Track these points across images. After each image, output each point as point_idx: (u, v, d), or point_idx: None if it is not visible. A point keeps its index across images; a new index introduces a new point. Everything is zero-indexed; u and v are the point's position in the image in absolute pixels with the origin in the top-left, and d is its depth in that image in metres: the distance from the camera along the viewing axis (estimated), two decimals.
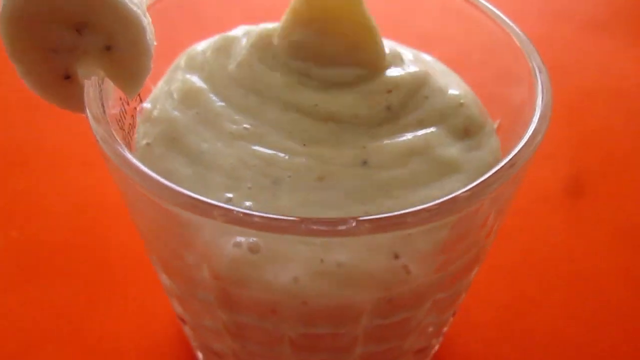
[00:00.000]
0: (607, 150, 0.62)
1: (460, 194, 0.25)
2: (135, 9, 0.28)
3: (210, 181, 0.30)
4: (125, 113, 0.34)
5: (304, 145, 0.31)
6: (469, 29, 0.36)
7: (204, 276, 0.29)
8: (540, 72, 0.31)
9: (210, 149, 0.31)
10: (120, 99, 0.33)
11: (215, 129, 0.32)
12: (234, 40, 0.37)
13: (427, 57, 0.39)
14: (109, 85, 0.31)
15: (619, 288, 0.50)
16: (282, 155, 0.30)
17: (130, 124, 0.34)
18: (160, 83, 0.37)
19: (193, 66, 0.36)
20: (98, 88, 0.30)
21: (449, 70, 0.38)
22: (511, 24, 0.34)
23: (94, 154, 0.30)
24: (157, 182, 0.25)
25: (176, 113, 0.33)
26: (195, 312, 0.34)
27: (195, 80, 0.35)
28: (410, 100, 0.33)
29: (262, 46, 0.34)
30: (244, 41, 0.36)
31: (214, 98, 0.33)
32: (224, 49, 0.36)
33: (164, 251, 0.32)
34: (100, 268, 0.50)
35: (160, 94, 0.35)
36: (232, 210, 0.23)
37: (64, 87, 0.30)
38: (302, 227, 0.22)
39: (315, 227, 0.23)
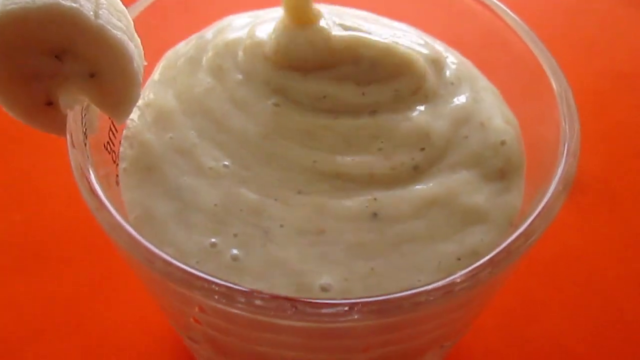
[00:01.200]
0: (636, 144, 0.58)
1: (476, 273, 0.22)
2: (119, 35, 0.26)
3: (193, 221, 0.27)
4: (116, 132, 0.31)
5: (299, 192, 0.28)
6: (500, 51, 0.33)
7: (188, 320, 0.27)
8: (570, 130, 0.28)
9: (190, 185, 0.28)
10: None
11: (194, 161, 0.29)
12: (207, 45, 0.34)
13: (461, 58, 0.35)
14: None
15: (629, 291, 0.48)
16: (272, 202, 0.27)
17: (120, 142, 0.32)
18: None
19: (167, 77, 0.33)
20: (81, 116, 0.27)
21: (486, 81, 0.34)
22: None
23: None
24: (122, 232, 0.23)
25: (149, 136, 0.30)
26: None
27: (169, 97, 0.31)
28: (446, 152, 0.30)
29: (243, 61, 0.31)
30: (210, 50, 0.33)
31: (189, 123, 0.30)
32: (197, 58, 0.33)
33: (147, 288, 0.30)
34: (104, 254, 0.49)
35: (137, 107, 0.31)
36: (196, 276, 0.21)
37: (45, 113, 0.28)
38: (289, 310, 0.20)
39: (305, 310, 0.21)
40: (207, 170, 0.28)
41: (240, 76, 0.31)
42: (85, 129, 0.28)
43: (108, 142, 0.30)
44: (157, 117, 0.30)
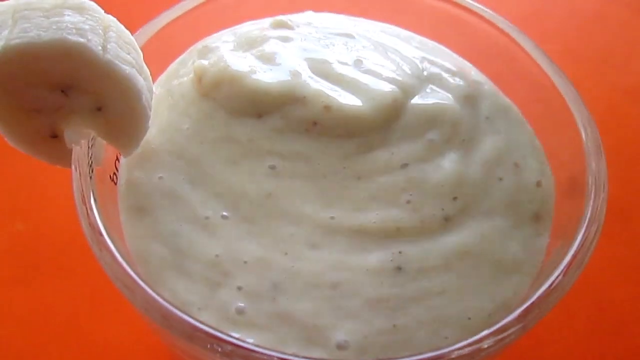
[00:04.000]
0: None
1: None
2: (127, 69, 0.24)
3: (192, 270, 0.26)
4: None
5: (313, 247, 0.26)
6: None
7: None
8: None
9: (185, 232, 0.26)
10: None
11: (187, 208, 0.27)
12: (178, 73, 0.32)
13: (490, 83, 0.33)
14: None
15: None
16: (281, 256, 0.26)
17: None
18: None
19: (153, 107, 0.30)
20: (87, 148, 0.26)
21: (516, 110, 0.32)
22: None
23: None
24: (118, 270, 0.23)
25: (138, 174, 0.28)
26: None
27: (154, 131, 0.29)
28: (479, 198, 0.28)
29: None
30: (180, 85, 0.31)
31: (176, 165, 0.28)
32: (174, 89, 0.31)
33: None
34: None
35: None
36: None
37: (51, 145, 0.27)
38: None
39: None
40: (203, 219, 0.27)
41: (223, 129, 0.29)
42: (92, 162, 0.27)
43: (114, 174, 0.29)
44: (143, 153, 0.28)
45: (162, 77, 0.32)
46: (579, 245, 0.25)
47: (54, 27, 0.23)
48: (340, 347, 0.24)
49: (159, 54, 0.32)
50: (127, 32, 0.26)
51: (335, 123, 0.28)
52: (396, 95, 0.29)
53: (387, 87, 0.29)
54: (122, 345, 0.43)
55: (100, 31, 0.24)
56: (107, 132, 0.26)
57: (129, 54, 0.25)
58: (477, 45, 0.34)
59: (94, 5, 0.24)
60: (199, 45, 0.33)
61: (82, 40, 0.23)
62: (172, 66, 0.33)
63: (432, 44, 0.35)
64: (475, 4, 0.33)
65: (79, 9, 0.24)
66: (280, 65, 0.29)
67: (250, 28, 0.33)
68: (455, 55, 0.34)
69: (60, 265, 0.47)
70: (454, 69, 0.32)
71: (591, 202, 0.27)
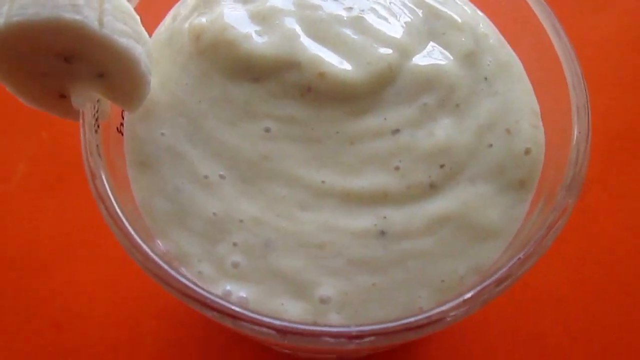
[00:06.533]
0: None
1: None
2: (125, 41, 0.25)
3: (192, 225, 0.28)
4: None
5: (303, 209, 0.28)
6: None
7: None
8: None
9: (186, 189, 0.29)
10: None
11: (185, 165, 0.29)
12: (181, 27, 0.32)
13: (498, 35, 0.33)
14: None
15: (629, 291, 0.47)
16: (274, 216, 0.28)
17: None
18: None
19: (155, 57, 0.30)
20: (93, 106, 0.28)
21: (519, 66, 0.32)
22: None
23: None
24: (124, 234, 0.26)
25: (141, 128, 0.30)
26: None
27: (155, 85, 0.30)
28: (466, 165, 0.29)
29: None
30: (182, 36, 0.31)
31: (177, 122, 0.30)
32: (173, 43, 0.31)
33: None
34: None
35: None
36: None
37: (60, 104, 0.28)
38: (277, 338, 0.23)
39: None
40: (202, 178, 0.29)
41: (220, 90, 0.30)
42: (97, 116, 0.29)
43: (121, 124, 0.31)
44: (146, 107, 0.30)
45: (165, 20, 0.33)
46: (554, 216, 0.27)
47: (50, 4, 0.23)
48: (323, 301, 0.27)
49: None
50: (124, 1, 0.26)
51: (329, 89, 0.29)
52: (392, 59, 0.29)
53: (384, 50, 0.30)
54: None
55: (96, 4, 0.24)
56: (110, 95, 0.28)
57: (125, 23, 0.26)
58: None
59: None
60: None
61: (78, 17, 0.24)
62: (175, 8, 0.33)
63: None
64: None
65: None
66: (277, 25, 0.30)
67: None
68: (465, 2, 0.34)
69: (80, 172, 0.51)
70: (459, 21, 0.32)
71: (571, 173, 0.28)
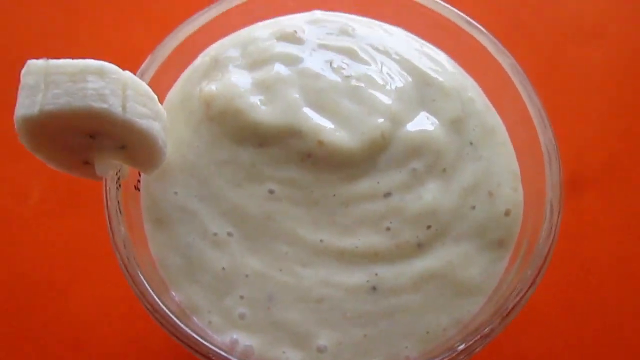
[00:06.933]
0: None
1: None
2: (145, 122, 0.28)
3: (201, 279, 0.31)
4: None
5: (304, 266, 0.31)
6: None
7: None
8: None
9: (197, 245, 0.32)
10: None
11: (196, 222, 0.32)
12: (192, 90, 0.35)
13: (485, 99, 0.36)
14: None
15: (627, 290, 0.50)
16: (277, 272, 0.31)
17: None
18: None
19: (168, 116, 0.33)
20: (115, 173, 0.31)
21: (504, 132, 0.35)
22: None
23: None
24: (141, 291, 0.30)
25: (155, 188, 0.33)
26: None
27: (169, 145, 0.32)
28: (451, 225, 0.32)
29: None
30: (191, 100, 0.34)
31: (188, 182, 0.33)
32: (186, 103, 0.34)
33: None
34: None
35: None
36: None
37: (84, 168, 0.31)
38: None
39: None
40: (212, 235, 0.32)
41: (228, 153, 0.33)
42: (119, 176, 0.32)
43: (138, 181, 0.34)
44: (160, 169, 0.32)
45: (178, 84, 0.36)
46: (529, 277, 0.30)
47: (80, 94, 0.26)
48: (320, 350, 0.30)
49: (177, 61, 0.35)
50: (143, 84, 0.29)
51: (327, 155, 0.32)
52: (385, 127, 0.32)
53: (377, 120, 0.33)
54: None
55: (120, 92, 0.27)
56: (130, 162, 0.31)
57: (144, 105, 0.28)
58: (477, 60, 0.36)
59: (112, 67, 0.28)
60: (210, 51, 0.36)
61: (104, 105, 0.27)
62: (187, 72, 0.36)
63: (433, 51, 0.37)
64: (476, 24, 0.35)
65: (100, 74, 0.27)
66: (280, 95, 0.33)
67: (257, 34, 0.36)
68: (454, 66, 0.36)
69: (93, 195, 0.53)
70: (448, 87, 0.35)
71: (545, 234, 0.31)
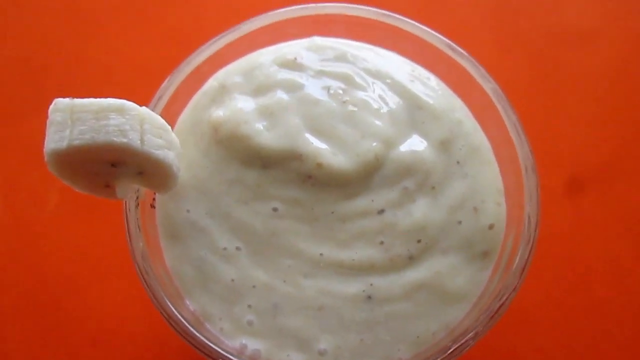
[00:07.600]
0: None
1: None
2: (161, 153, 0.32)
3: (212, 289, 0.35)
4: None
5: (305, 277, 0.35)
6: None
7: None
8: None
9: (208, 259, 0.35)
10: None
11: (207, 238, 0.35)
12: (201, 116, 0.38)
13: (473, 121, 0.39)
14: None
15: (625, 289, 0.52)
16: (281, 282, 0.34)
17: None
18: None
19: (180, 138, 0.36)
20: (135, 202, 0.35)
21: (489, 150, 0.38)
22: None
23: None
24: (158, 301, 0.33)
25: (170, 206, 0.36)
26: None
27: (181, 166, 0.35)
28: (439, 239, 0.35)
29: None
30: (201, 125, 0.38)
31: (199, 200, 0.36)
32: (196, 127, 0.38)
33: None
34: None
35: None
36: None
37: (105, 190, 0.35)
38: None
39: None
40: (222, 250, 0.35)
41: (235, 174, 0.36)
42: (138, 196, 0.35)
43: (154, 199, 0.37)
44: (173, 189, 0.36)
45: (188, 107, 0.39)
46: (511, 284, 0.34)
47: (103, 130, 0.30)
48: (321, 353, 0.34)
49: (188, 86, 0.38)
50: (158, 117, 0.32)
51: (326, 177, 0.35)
52: (378, 149, 0.36)
53: (371, 143, 0.36)
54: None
55: (138, 126, 0.31)
56: (147, 185, 0.34)
57: (160, 137, 0.32)
58: (464, 83, 0.39)
59: (131, 104, 0.31)
60: (218, 77, 0.39)
61: (125, 140, 0.30)
62: (196, 97, 0.39)
63: (424, 74, 0.39)
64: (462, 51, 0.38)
65: (120, 111, 0.30)
66: (282, 121, 0.36)
67: (260, 61, 0.39)
68: (443, 88, 0.39)
69: (108, 200, 0.56)
70: (438, 109, 0.38)
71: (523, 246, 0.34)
